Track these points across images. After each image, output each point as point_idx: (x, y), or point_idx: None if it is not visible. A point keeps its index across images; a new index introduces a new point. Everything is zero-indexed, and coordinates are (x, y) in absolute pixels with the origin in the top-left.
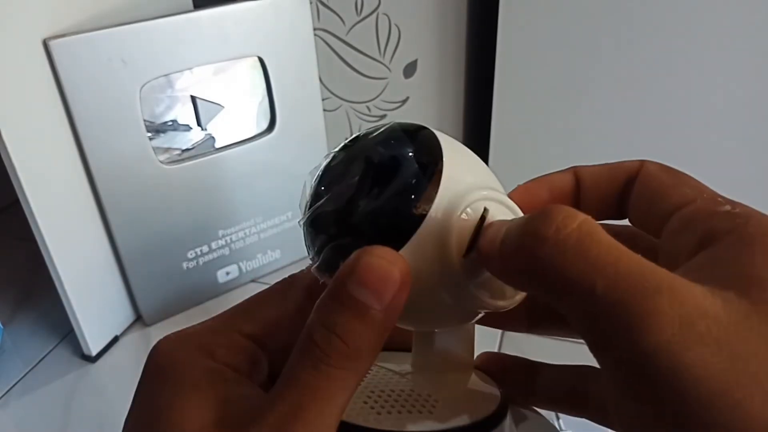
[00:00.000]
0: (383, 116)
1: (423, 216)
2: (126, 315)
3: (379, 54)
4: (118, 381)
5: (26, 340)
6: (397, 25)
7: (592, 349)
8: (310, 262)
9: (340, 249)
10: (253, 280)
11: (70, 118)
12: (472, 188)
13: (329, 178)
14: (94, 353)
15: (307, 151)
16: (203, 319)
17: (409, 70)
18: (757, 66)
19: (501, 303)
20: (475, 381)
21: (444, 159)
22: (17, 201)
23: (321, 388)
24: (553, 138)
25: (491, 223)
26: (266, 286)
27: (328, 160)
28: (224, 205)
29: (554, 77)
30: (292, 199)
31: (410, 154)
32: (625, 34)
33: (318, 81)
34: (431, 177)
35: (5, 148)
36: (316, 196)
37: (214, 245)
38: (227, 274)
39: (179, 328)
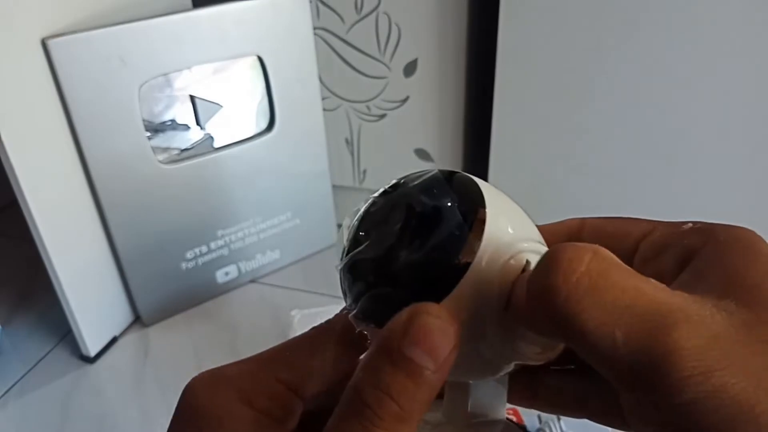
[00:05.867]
0: (383, 115)
1: (465, 268)
2: (124, 315)
3: (379, 53)
4: (117, 381)
5: (25, 341)
6: (397, 24)
7: (618, 388)
8: (347, 308)
9: (380, 299)
10: (252, 281)
11: (68, 118)
12: (514, 240)
13: (369, 223)
14: (92, 354)
15: (307, 150)
16: (202, 320)
17: (410, 69)
18: (758, 66)
19: (538, 356)
20: None
21: (487, 210)
22: (15, 201)
23: None
24: (554, 137)
25: (520, 277)
26: (266, 287)
27: (368, 204)
28: (223, 205)
29: (554, 76)
30: (292, 199)
31: (453, 203)
32: (626, 32)
33: (318, 80)
34: (474, 228)
35: (3, 147)
36: (354, 241)
37: (213, 245)
38: (226, 274)
39: (178, 329)
